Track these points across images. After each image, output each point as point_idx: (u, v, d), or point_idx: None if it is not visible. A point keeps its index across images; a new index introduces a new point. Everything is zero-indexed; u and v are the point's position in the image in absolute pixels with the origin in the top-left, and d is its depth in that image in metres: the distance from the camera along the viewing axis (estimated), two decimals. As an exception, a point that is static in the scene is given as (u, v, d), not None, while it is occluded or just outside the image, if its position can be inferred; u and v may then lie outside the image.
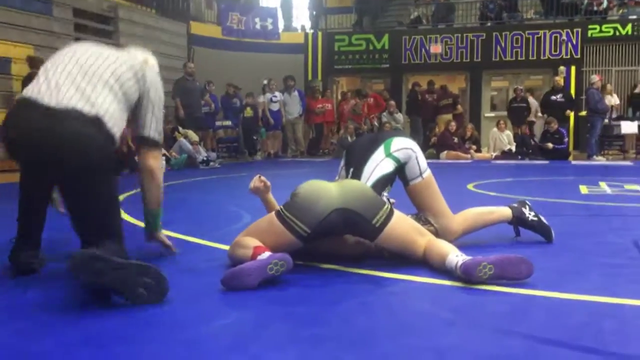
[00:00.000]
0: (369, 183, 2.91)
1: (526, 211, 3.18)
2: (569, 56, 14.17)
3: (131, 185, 6.51)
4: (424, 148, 12.64)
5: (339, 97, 15.58)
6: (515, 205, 3.21)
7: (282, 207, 2.51)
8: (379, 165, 2.94)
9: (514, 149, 12.18)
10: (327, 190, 2.51)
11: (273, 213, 2.55)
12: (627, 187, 6.23)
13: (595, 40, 14.18)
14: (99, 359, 1.57)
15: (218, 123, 12.26)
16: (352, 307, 2.03)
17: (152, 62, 2.65)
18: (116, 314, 1.97)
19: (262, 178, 2.80)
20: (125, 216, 4.20)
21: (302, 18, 17.79)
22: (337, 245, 2.66)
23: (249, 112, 12.37)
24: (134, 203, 5.08)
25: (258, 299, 2.09)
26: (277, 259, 2.21)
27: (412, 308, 2.05)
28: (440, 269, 2.42)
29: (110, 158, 2.34)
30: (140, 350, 1.64)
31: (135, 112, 2.58)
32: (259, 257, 2.26)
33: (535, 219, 3.17)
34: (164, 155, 8.74)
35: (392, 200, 2.88)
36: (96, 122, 2.27)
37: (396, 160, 2.98)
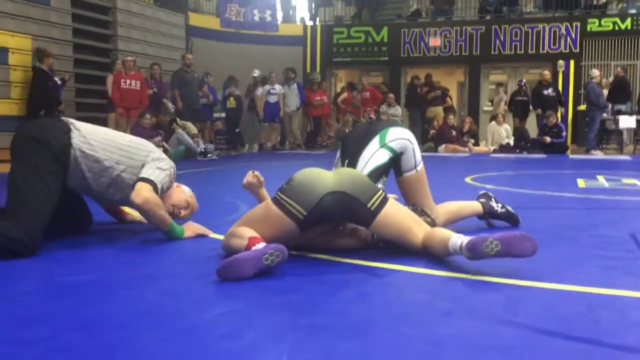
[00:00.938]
0: (364, 173, 2.91)
1: (494, 204, 3.31)
2: (568, 50, 14.17)
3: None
4: (422, 141, 12.70)
5: (338, 90, 15.56)
6: (483, 200, 3.33)
7: (278, 192, 2.49)
8: (373, 155, 2.93)
9: (512, 142, 12.18)
10: (323, 175, 2.51)
11: (268, 200, 2.55)
12: (625, 181, 6.24)
13: (594, 35, 14.17)
14: (93, 346, 1.56)
15: (216, 115, 12.24)
16: (348, 297, 2.03)
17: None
18: (111, 302, 1.96)
19: (256, 173, 2.78)
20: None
21: (301, 10, 17.73)
22: (332, 237, 2.65)
23: (232, 102, 12.09)
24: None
25: (253, 288, 2.09)
26: (273, 249, 2.19)
27: (408, 298, 2.05)
28: (442, 255, 2.41)
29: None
30: (134, 338, 1.63)
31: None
32: (254, 248, 2.24)
33: (503, 210, 3.32)
34: (161, 146, 8.73)
35: (394, 196, 2.88)
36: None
37: (391, 150, 2.98)
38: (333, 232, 2.66)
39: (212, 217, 3.65)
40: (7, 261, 2.52)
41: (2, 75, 8.97)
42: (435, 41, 14.86)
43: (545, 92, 12.25)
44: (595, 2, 14.55)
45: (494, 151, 11.96)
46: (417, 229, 2.55)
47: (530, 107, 12.67)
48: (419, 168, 3.05)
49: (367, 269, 2.40)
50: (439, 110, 13.16)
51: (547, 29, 14.26)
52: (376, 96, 13.67)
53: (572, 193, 5.14)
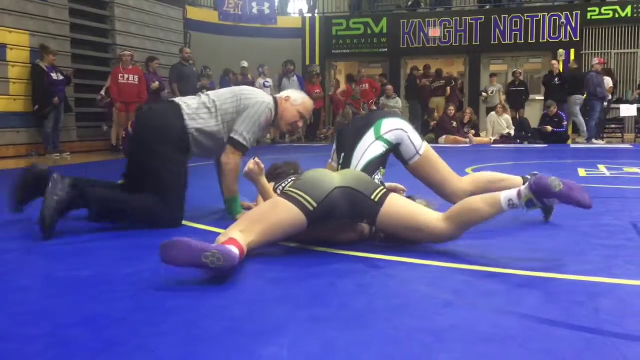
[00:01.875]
0: (359, 167, 2.91)
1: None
2: (568, 39, 14.10)
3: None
4: (423, 132, 12.67)
5: (337, 82, 15.52)
6: (529, 176, 3.19)
7: (287, 188, 2.49)
8: (368, 148, 2.93)
9: (512, 133, 12.16)
10: (330, 174, 2.58)
11: (275, 197, 2.53)
12: (626, 169, 6.23)
13: (594, 23, 14.10)
14: (94, 341, 1.56)
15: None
16: (350, 288, 2.02)
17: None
18: (111, 297, 1.96)
19: (257, 160, 2.76)
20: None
21: (299, 2, 17.64)
22: (332, 231, 2.64)
23: None
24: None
25: (254, 280, 2.09)
26: (218, 251, 2.00)
27: (409, 289, 2.05)
28: (486, 218, 2.34)
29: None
30: (134, 333, 1.63)
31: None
32: (221, 246, 2.08)
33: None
34: None
35: (401, 187, 2.91)
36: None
37: (387, 142, 2.98)
38: (335, 226, 2.65)
39: (209, 211, 3.66)
40: (6, 258, 2.53)
41: (0, 71, 8.96)
42: (434, 32, 14.80)
43: (553, 81, 12.21)
44: (595, -10, 14.49)
45: (495, 142, 11.94)
46: (426, 211, 2.52)
47: (524, 97, 12.68)
48: (421, 152, 3.07)
49: (368, 260, 2.40)
50: (441, 100, 13.14)
51: (547, 18, 14.19)
52: (374, 86, 13.65)
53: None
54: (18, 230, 3.18)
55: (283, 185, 2.80)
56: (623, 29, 14.08)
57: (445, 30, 14.76)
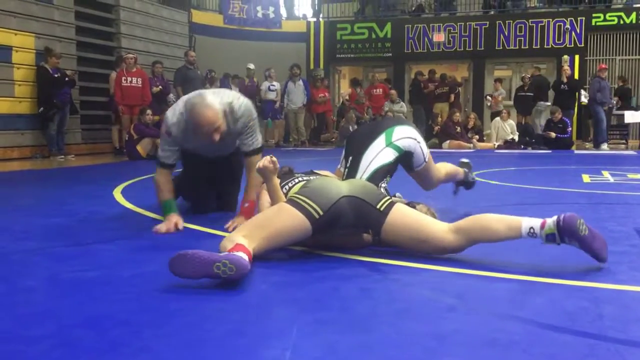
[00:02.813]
0: (367, 173, 2.89)
1: (470, 174, 3.80)
2: (572, 45, 14.10)
3: (130, 174, 6.52)
4: (426, 137, 12.65)
5: (342, 86, 15.53)
6: (466, 169, 3.79)
7: (292, 195, 2.48)
8: (378, 154, 2.93)
9: (516, 138, 12.14)
10: (337, 182, 2.59)
11: (280, 202, 2.52)
12: (630, 176, 6.22)
13: (599, 29, 14.10)
14: (98, 342, 1.56)
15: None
16: (353, 292, 2.03)
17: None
18: (115, 298, 1.97)
19: (273, 159, 2.72)
20: (126, 203, 4.21)
21: (304, 6, 17.68)
22: (338, 237, 2.63)
23: None
24: (133, 190, 5.09)
25: (258, 283, 2.09)
26: (229, 261, 1.99)
27: (412, 294, 2.05)
28: (500, 239, 2.34)
29: None
30: (138, 334, 1.64)
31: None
32: (229, 253, 2.09)
33: (473, 180, 3.80)
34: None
35: (398, 195, 2.91)
36: None
37: (398, 149, 2.98)
38: (337, 234, 2.63)
39: (216, 216, 3.66)
40: (11, 259, 2.53)
41: (5, 73, 9.00)
42: (439, 37, 14.82)
43: (562, 86, 12.19)
44: (600, -3, 14.49)
45: (499, 147, 11.92)
46: (433, 222, 2.51)
47: (532, 102, 12.66)
48: (427, 159, 3.19)
49: (371, 264, 2.40)
50: (444, 106, 13.14)
51: (551, 23, 14.19)
52: (387, 92, 13.64)
53: (577, 188, 5.12)
54: (22, 231, 3.19)
55: (289, 185, 2.78)
56: (628, 35, 14.07)
57: (450, 35, 14.77)
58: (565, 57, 13.79)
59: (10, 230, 3.22)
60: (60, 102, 9.15)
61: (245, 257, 2.08)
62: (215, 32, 14.54)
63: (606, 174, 6.38)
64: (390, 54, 15.29)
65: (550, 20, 14.22)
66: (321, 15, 16.31)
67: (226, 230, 3.05)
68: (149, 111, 9.27)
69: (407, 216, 2.47)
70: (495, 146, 12.02)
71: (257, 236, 2.32)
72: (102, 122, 10.89)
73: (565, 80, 11.99)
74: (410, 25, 15.09)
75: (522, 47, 14.39)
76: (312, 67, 15.42)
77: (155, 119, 9.15)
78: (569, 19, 14.12)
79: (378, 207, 2.45)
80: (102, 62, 11.22)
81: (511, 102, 13.39)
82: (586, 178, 5.95)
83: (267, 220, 2.40)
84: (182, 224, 3.10)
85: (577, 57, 14.03)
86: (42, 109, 9.10)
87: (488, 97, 13.48)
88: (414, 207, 2.82)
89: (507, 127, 12.37)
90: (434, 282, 2.17)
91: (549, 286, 2.10)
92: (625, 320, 1.73)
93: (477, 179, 4.07)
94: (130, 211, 3.89)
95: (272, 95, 12.64)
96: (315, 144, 13.26)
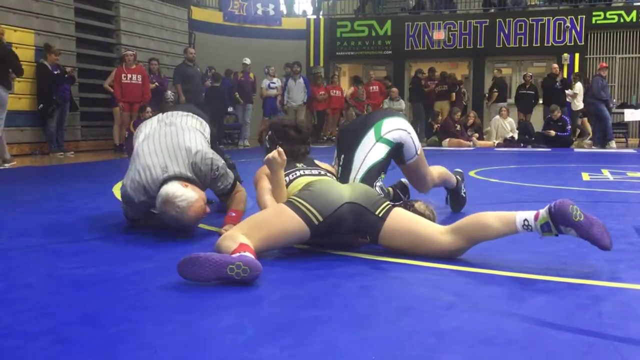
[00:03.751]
0: (361, 172, 2.85)
1: (462, 185, 3.60)
2: (572, 43, 14.09)
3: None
4: (426, 135, 12.67)
5: (342, 84, 15.50)
6: (459, 177, 3.57)
7: (293, 197, 2.47)
8: (370, 151, 2.87)
9: (516, 136, 12.14)
10: (340, 187, 2.55)
11: (280, 204, 2.50)
12: (630, 174, 6.22)
13: (599, 27, 14.09)
14: (97, 339, 1.56)
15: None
16: (352, 290, 2.03)
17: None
18: (114, 295, 1.97)
19: (281, 150, 2.69)
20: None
21: (304, 3, 17.65)
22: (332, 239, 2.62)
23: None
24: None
25: (257, 281, 2.09)
26: (243, 263, 2.00)
27: (412, 291, 2.05)
28: (497, 235, 2.31)
29: None
30: (137, 331, 1.64)
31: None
32: (235, 255, 2.09)
33: (464, 194, 3.60)
34: None
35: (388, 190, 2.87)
36: None
37: (389, 143, 2.92)
38: (335, 238, 2.63)
39: (213, 213, 3.66)
40: (10, 256, 2.53)
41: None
42: (439, 34, 14.80)
43: (555, 85, 12.21)
44: (600, -5, 14.48)
45: (498, 145, 11.92)
46: (429, 224, 2.50)
47: (533, 101, 12.68)
48: (419, 151, 3.08)
49: (371, 262, 2.40)
50: (444, 104, 13.14)
51: (552, 22, 14.18)
52: (383, 91, 13.65)
53: (577, 186, 5.12)
54: (21, 228, 3.19)
55: (290, 178, 2.76)
56: (628, 33, 14.06)
57: (450, 33, 14.76)
58: (566, 55, 13.79)
59: (9, 227, 3.22)
60: (59, 98, 9.16)
61: (254, 257, 2.09)
62: (215, 29, 14.52)
63: (606, 172, 6.38)
64: (390, 52, 15.28)
65: (551, 18, 14.21)
66: (321, 13, 16.29)
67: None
68: (148, 108, 9.26)
69: (404, 221, 2.46)
70: (495, 144, 12.02)
71: (256, 236, 2.31)
72: (101, 119, 10.88)
73: (560, 79, 12.05)
74: (410, 23, 15.08)
75: (522, 45, 14.38)
76: (312, 64, 15.40)
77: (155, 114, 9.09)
78: (569, 17, 14.11)
79: (377, 213, 2.45)
80: (102, 58, 11.20)
81: (512, 101, 13.40)
82: (586, 176, 5.95)
83: (266, 221, 2.40)
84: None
85: (577, 56, 14.03)
86: (41, 105, 9.10)
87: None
88: (412, 205, 2.82)
89: (506, 125, 12.36)
90: (433, 279, 2.17)
91: (548, 284, 2.10)
92: (624, 318, 1.74)
93: (478, 177, 4.02)
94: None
95: (272, 92, 12.63)
96: (314, 142, 13.25)
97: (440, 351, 1.49)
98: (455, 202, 3.60)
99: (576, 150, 11.16)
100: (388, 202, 2.55)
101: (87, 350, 1.50)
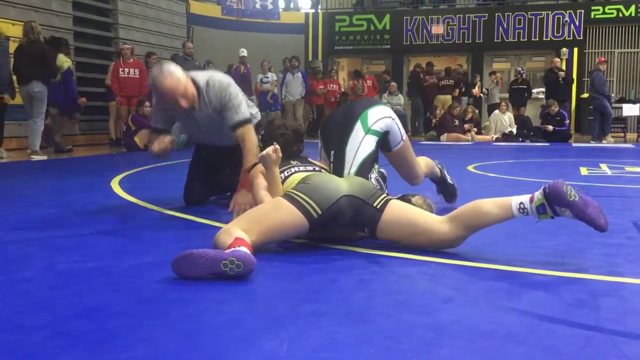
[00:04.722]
0: (355, 167, 2.84)
1: (445, 172, 3.60)
2: (571, 38, 14.08)
3: (128, 165, 6.51)
4: (425, 129, 12.66)
5: (340, 79, 15.47)
6: (439, 166, 3.55)
7: (291, 190, 2.46)
8: (360, 145, 2.85)
9: (514, 131, 12.14)
10: (338, 180, 2.56)
11: (278, 197, 2.50)
12: (628, 169, 6.22)
13: (598, 22, 14.07)
14: (95, 333, 1.56)
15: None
16: (350, 284, 2.03)
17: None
18: (112, 289, 1.97)
19: (277, 147, 2.70)
20: (123, 194, 4.21)
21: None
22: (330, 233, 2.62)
23: None
24: (130, 181, 5.09)
25: (255, 275, 2.09)
26: (236, 258, 1.99)
27: (410, 285, 2.05)
28: (496, 221, 2.31)
29: None
30: (136, 325, 1.64)
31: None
32: (231, 249, 2.08)
33: (451, 182, 3.60)
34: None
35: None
36: None
37: (377, 134, 2.92)
38: (334, 231, 2.62)
39: (211, 206, 3.66)
40: (8, 249, 2.53)
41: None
42: (437, 29, 14.78)
43: (559, 80, 12.19)
44: (599, -11, 14.45)
45: (497, 140, 11.92)
46: (427, 214, 2.51)
47: (526, 95, 12.71)
48: (404, 137, 3.06)
49: (369, 256, 2.40)
50: (447, 98, 13.13)
51: (550, 16, 14.16)
52: (376, 85, 13.65)
53: (575, 181, 5.12)
54: (19, 222, 3.19)
55: (285, 174, 2.75)
56: (626, 28, 14.05)
57: (449, 27, 14.73)
58: (564, 49, 13.78)
59: (7, 221, 3.21)
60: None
61: (249, 251, 2.08)
62: (213, 23, 14.48)
63: (604, 166, 6.39)
64: (389, 46, 15.25)
65: (549, 12, 14.19)
66: (319, 7, 16.23)
67: (230, 212, 3.08)
68: (147, 103, 9.23)
69: (401, 212, 2.46)
70: (493, 139, 12.02)
71: (254, 230, 2.31)
72: (99, 114, 10.85)
73: (563, 74, 12.03)
74: (408, 17, 15.04)
75: (521, 40, 14.36)
76: (310, 58, 15.37)
77: None
78: (567, 11, 14.09)
79: (375, 205, 2.45)
80: (100, 52, 11.16)
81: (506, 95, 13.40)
82: (584, 171, 5.96)
83: (265, 215, 2.39)
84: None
85: (575, 50, 14.02)
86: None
87: (484, 90, 13.50)
88: (409, 200, 2.82)
89: (505, 120, 12.36)
90: (431, 273, 2.17)
91: (546, 278, 2.10)
92: (622, 312, 1.74)
93: (477, 172, 4.01)
94: (127, 202, 3.89)
95: (265, 87, 12.58)
96: (313, 136, 13.23)
97: (439, 345, 1.49)
98: (446, 191, 3.60)
99: (574, 145, 11.17)
100: (385, 194, 2.55)
101: (85, 343, 1.50)
